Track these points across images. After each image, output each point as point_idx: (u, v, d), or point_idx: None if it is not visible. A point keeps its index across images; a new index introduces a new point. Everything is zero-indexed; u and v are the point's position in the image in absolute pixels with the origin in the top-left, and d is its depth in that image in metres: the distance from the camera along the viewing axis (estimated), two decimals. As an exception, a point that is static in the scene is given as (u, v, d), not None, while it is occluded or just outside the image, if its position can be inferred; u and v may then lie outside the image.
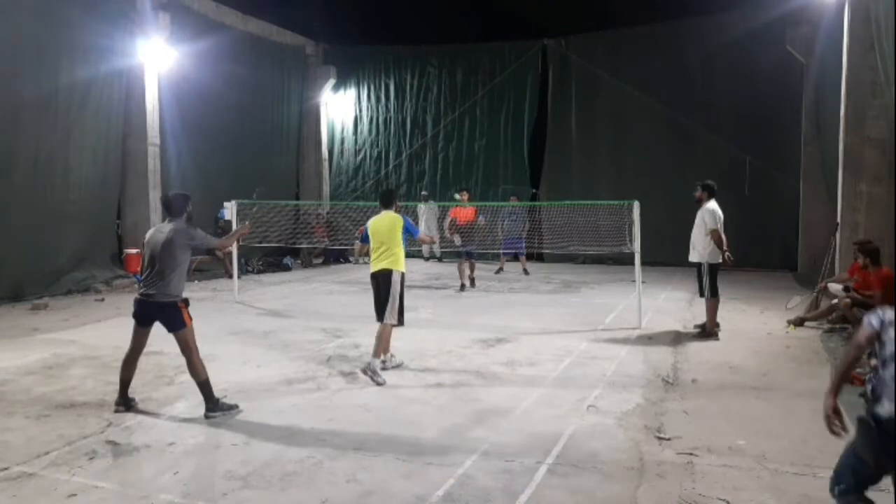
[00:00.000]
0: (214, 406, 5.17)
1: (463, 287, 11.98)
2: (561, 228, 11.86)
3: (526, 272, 14.03)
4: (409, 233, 6.58)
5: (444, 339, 7.80)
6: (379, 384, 5.99)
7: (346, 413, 5.20)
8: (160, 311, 5.23)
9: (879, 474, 3.13)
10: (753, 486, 3.88)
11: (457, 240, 12.00)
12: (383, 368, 6.36)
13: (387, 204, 6.68)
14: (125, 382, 5.33)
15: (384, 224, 6.52)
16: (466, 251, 12.08)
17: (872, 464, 3.13)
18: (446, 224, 12.49)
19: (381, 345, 6.38)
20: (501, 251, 14.06)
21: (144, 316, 5.32)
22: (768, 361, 6.81)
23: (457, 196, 12.90)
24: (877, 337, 3.28)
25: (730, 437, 4.62)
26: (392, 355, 6.62)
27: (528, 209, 13.55)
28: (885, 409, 3.18)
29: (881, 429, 3.11)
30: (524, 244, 13.60)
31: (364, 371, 6.32)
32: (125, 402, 5.29)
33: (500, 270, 14.36)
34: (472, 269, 12.31)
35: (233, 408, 5.25)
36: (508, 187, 16.95)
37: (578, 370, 6.49)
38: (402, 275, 6.44)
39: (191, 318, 5.32)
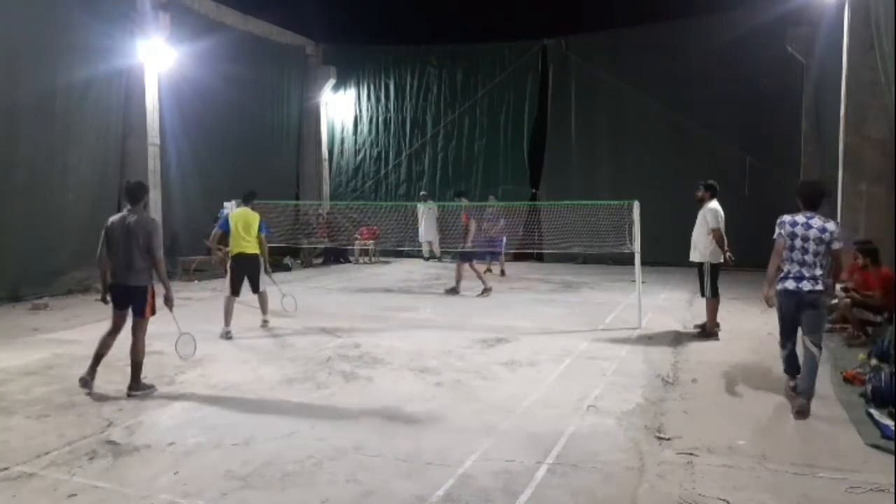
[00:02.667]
0: (137, 386, 5.61)
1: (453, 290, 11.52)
2: (561, 228, 11.84)
3: (503, 273, 13.79)
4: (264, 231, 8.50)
5: (444, 339, 7.80)
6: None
7: (346, 413, 5.20)
8: (132, 296, 5.67)
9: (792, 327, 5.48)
10: (753, 486, 3.88)
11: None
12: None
13: (248, 201, 8.52)
14: (99, 357, 5.73)
15: (245, 217, 8.27)
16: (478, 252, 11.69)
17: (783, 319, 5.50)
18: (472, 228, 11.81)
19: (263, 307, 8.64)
20: (484, 250, 13.80)
21: (119, 301, 5.74)
22: (768, 361, 6.80)
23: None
24: (785, 245, 5.34)
25: (730, 437, 4.63)
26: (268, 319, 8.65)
27: (506, 208, 13.06)
28: (779, 283, 5.41)
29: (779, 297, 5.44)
30: (502, 245, 13.33)
31: (263, 325, 8.44)
32: (90, 379, 5.67)
33: (502, 273, 14.11)
34: (467, 273, 11.55)
35: (150, 387, 5.68)
36: (508, 187, 16.95)
37: (578, 370, 6.49)
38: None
39: (153, 312, 5.76)
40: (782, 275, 5.38)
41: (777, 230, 5.46)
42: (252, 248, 8.22)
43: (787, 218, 5.45)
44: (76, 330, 8.46)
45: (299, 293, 10.40)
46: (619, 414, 5.14)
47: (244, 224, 8.20)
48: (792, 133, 14.06)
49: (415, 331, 8.46)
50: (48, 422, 4.99)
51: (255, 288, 8.42)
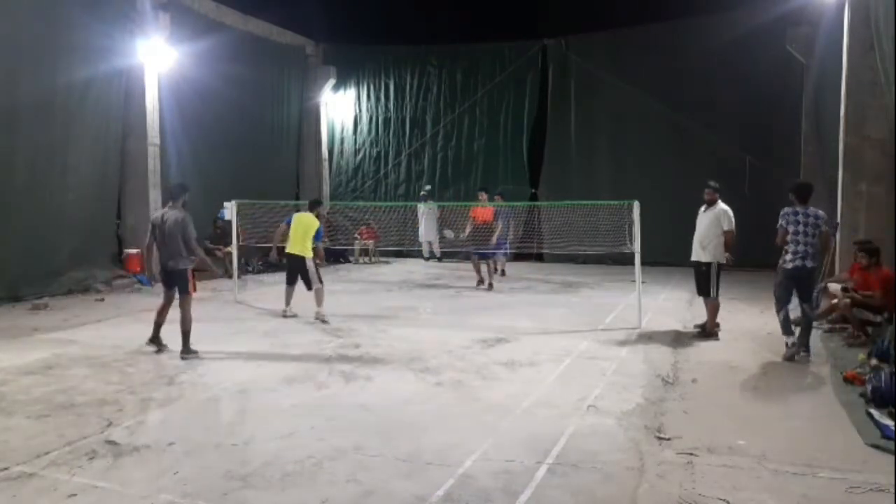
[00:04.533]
0: (187, 350, 6.86)
1: (484, 284, 12.05)
2: (560, 228, 11.83)
3: (503, 273, 13.81)
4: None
5: (444, 339, 7.80)
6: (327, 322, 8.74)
7: (346, 413, 5.20)
8: (175, 277, 6.99)
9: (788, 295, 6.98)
10: (753, 486, 3.88)
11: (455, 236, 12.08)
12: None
13: (313, 208, 9.36)
14: (158, 325, 7.12)
15: (306, 222, 9.10)
16: (480, 252, 11.99)
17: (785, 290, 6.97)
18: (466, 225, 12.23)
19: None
20: (490, 252, 13.88)
21: (167, 282, 7.13)
22: (768, 361, 6.81)
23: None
24: (786, 232, 6.86)
25: (730, 437, 4.63)
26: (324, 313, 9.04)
27: (514, 209, 13.15)
28: (788, 263, 6.86)
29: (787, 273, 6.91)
30: (507, 246, 13.40)
31: (321, 319, 8.82)
32: (156, 342, 7.07)
33: (502, 273, 14.09)
34: (482, 268, 12.19)
35: (195, 352, 6.89)
36: (508, 187, 16.92)
37: (578, 370, 6.50)
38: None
39: (195, 289, 7.25)
40: (790, 255, 6.85)
41: (781, 220, 6.96)
42: (300, 249, 8.99)
43: (789, 210, 6.95)
44: (76, 330, 8.46)
45: (299, 293, 10.39)
46: (619, 414, 5.14)
47: (303, 228, 9.00)
48: (792, 133, 14.05)
49: (415, 331, 8.46)
50: (48, 422, 4.99)
51: (308, 286, 9.09)
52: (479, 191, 12.76)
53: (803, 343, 6.87)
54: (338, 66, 18.97)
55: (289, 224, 9.24)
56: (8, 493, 3.82)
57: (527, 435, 4.69)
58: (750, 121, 14.78)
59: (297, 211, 9.84)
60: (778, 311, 7.03)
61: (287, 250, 9.19)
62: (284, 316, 9.19)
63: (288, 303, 9.33)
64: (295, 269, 9.16)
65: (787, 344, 6.93)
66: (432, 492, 3.79)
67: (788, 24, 13.49)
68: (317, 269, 9.11)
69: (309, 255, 9.02)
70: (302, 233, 9.04)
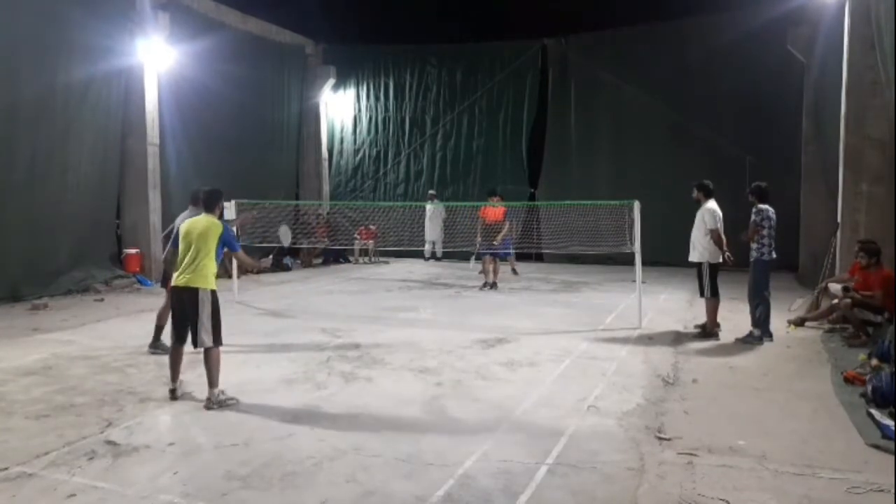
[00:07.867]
0: (153, 344, 7.09)
1: (486, 285, 12.04)
2: (560, 229, 11.82)
3: (515, 272, 13.92)
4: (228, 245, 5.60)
5: (444, 339, 7.80)
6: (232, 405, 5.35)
7: (346, 413, 5.20)
8: None
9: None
10: (753, 486, 3.88)
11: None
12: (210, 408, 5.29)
13: (210, 205, 5.67)
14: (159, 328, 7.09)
15: (189, 229, 5.51)
16: (492, 252, 12.04)
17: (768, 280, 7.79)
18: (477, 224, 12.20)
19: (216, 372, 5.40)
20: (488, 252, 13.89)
21: None
22: (768, 361, 6.81)
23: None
24: (758, 224, 7.59)
25: (730, 437, 4.62)
26: (222, 390, 5.42)
27: (513, 208, 13.17)
28: (766, 256, 7.66)
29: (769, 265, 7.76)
30: (511, 245, 13.44)
31: (211, 405, 5.26)
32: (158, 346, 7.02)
33: (514, 271, 14.12)
34: (489, 267, 12.22)
35: (167, 350, 6.27)
36: (507, 187, 16.91)
37: (578, 370, 6.49)
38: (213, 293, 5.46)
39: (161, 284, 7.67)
40: (766, 248, 7.61)
41: (756, 216, 7.62)
42: (190, 277, 5.40)
43: (764, 207, 7.67)
44: (76, 330, 8.46)
45: (299, 293, 10.39)
46: (619, 414, 5.14)
47: (193, 240, 5.47)
48: (792, 133, 14.04)
49: (415, 331, 8.46)
50: (48, 422, 4.98)
51: (195, 340, 5.44)
52: (490, 195, 12.49)
53: (765, 327, 7.75)
54: (337, 65, 18.97)
55: (176, 245, 5.94)
56: (8, 493, 3.81)
57: (527, 435, 4.69)
58: (750, 121, 14.79)
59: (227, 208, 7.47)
60: (760, 305, 7.63)
61: (173, 282, 5.56)
62: (173, 397, 5.50)
63: (175, 375, 5.58)
64: (186, 312, 5.45)
65: (758, 336, 7.65)
66: (432, 492, 3.79)
67: (788, 24, 13.49)
68: (217, 315, 5.45)
69: (207, 284, 5.41)
70: (191, 248, 5.45)
